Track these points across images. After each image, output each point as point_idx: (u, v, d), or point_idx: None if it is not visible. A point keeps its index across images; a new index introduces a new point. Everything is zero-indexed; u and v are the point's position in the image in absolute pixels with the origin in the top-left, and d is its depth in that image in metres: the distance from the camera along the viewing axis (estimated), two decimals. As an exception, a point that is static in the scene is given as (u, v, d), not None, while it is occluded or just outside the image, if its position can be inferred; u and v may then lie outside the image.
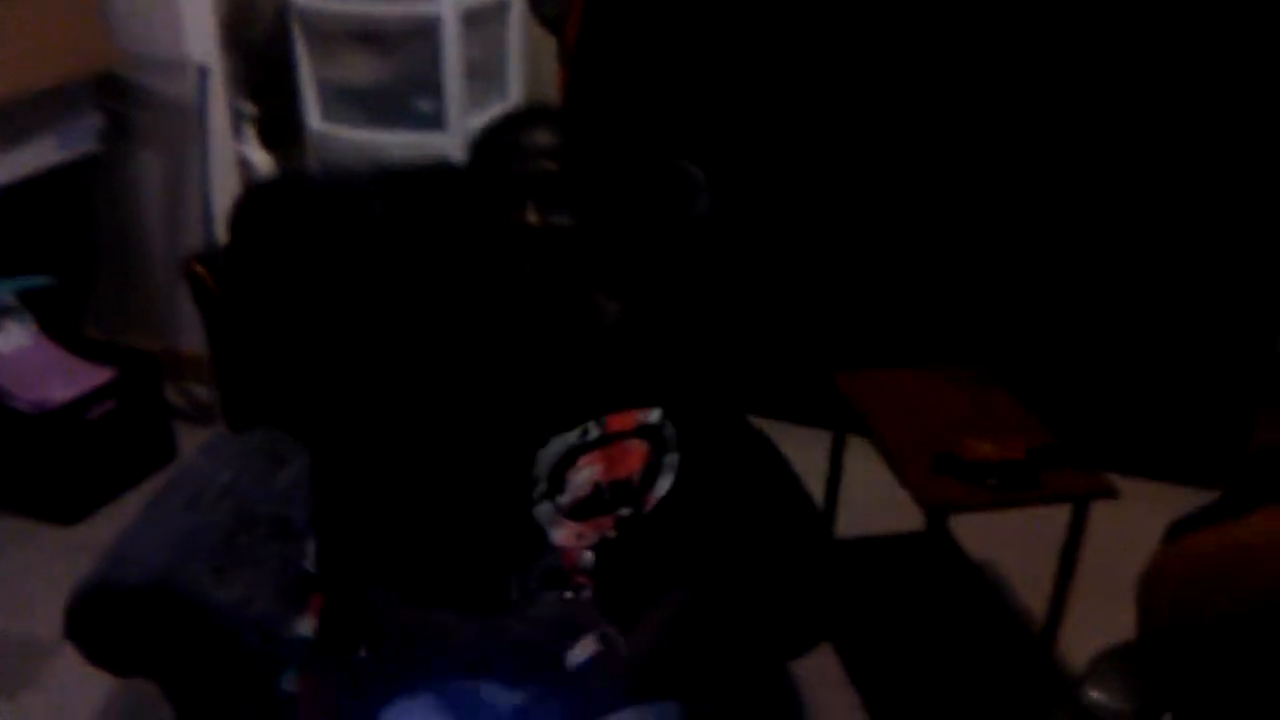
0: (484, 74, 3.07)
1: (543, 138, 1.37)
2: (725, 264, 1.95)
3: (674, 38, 2.69)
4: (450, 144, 2.92)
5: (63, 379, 2.51)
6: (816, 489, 2.15)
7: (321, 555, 1.56)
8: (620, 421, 1.41)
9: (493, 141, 1.42)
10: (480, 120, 3.00)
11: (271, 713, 1.49)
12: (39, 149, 2.60)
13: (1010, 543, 2.27)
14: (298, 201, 1.86)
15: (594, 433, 1.39)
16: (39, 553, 2.30)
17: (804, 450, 2.25)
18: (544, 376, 1.42)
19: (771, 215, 2.78)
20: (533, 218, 1.32)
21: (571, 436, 1.39)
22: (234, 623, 1.50)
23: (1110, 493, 1.66)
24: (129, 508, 2.37)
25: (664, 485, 1.43)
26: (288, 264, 1.80)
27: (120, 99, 2.75)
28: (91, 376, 2.56)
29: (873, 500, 2.23)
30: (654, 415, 1.42)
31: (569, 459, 1.39)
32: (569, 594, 1.39)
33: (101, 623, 1.46)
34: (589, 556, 1.40)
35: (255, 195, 1.82)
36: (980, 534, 2.29)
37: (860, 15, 2.52)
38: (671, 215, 1.89)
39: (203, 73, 2.66)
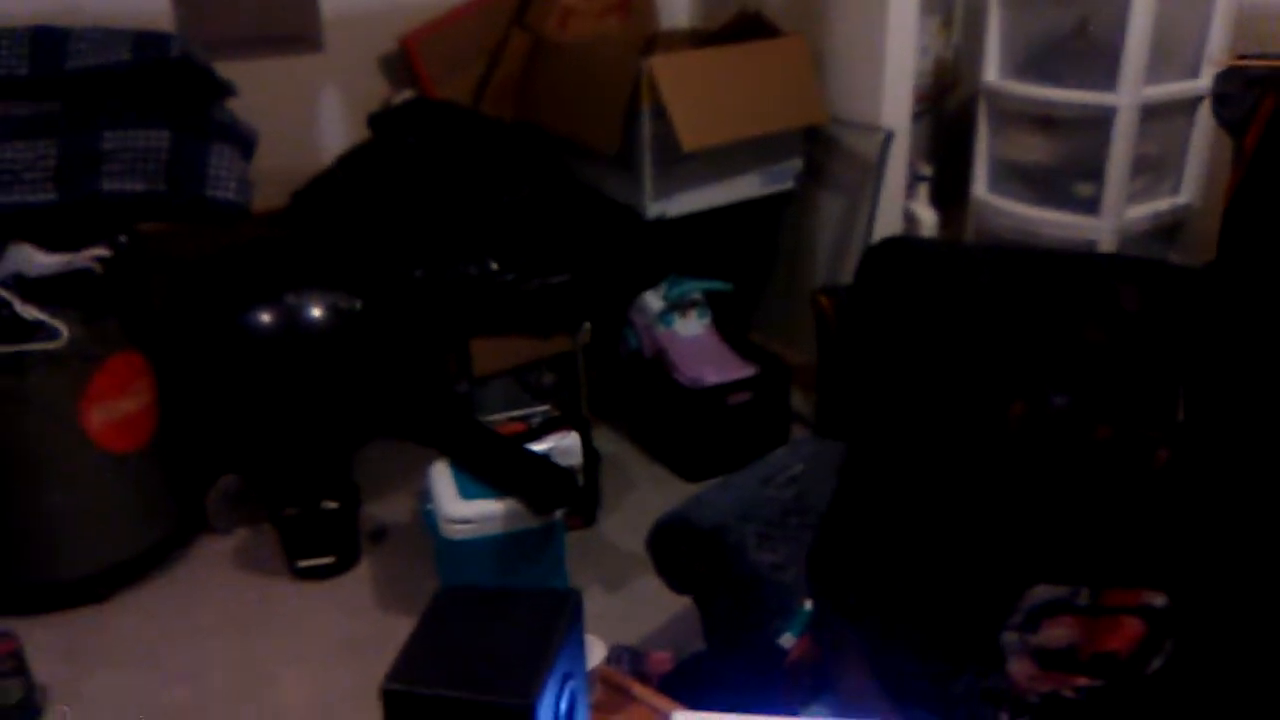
0: (1156, 168, 3.09)
1: (1098, 338, 1.32)
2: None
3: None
4: (1102, 228, 3.00)
5: (717, 367, 3.09)
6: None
7: (813, 558, 1.64)
8: (1118, 598, 1.32)
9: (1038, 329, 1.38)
10: (1141, 211, 3.06)
11: (766, 659, 1.81)
12: (751, 181, 3.21)
13: None
14: (912, 261, 2.13)
15: (1083, 599, 1.32)
16: (663, 495, 2.88)
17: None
18: (1060, 521, 1.36)
19: None
20: (1017, 409, 1.30)
21: (1061, 591, 1.33)
22: (761, 579, 1.84)
23: None
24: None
25: (1155, 666, 1.31)
26: (890, 312, 2.09)
27: (818, 148, 3.26)
28: (739, 370, 3.11)
29: None
30: (1159, 600, 1.31)
31: (1050, 609, 1.34)
32: (1003, 717, 1.35)
33: (668, 545, 1.91)
34: (1034, 700, 1.33)
35: (878, 249, 2.12)
36: None
37: None
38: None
39: (888, 136, 3.05)
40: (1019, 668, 1.35)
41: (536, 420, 2.65)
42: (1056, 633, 1.33)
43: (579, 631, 0.99)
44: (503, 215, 2.83)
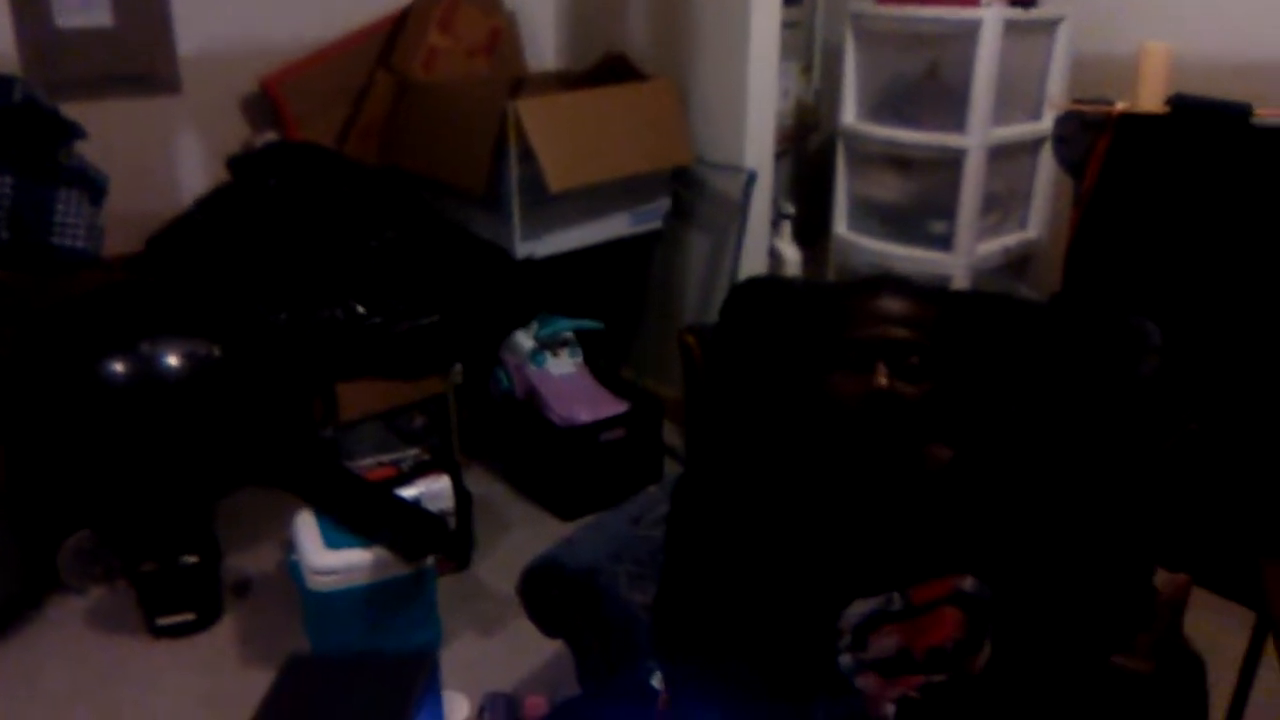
0: (1003, 206, 3.24)
1: (896, 306, 1.45)
2: (1163, 426, 1.94)
3: (1168, 199, 2.66)
4: (956, 264, 3.12)
5: (590, 405, 3.10)
6: (1229, 675, 2.04)
7: (655, 609, 1.67)
8: (927, 593, 1.40)
9: (844, 305, 1.50)
10: (991, 247, 3.20)
11: (640, 699, 1.81)
12: (620, 221, 3.24)
13: None
14: (770, 301, 2.18)
15: (896, 604, 1.40)
16: (537, 535, 2.86)
17: (1229, 627, 2.15)
18: (855, 536, 1.45)
19: (1232, 381, 2.61)
20: (881, 380, 1.40)
21: (875, 602, 1.41)
22: (633, 619, 1.85)
23: None
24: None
25: (986, 653, 1.39)
26: (748, 352, 2.14)
27: (685, 189, 3.32)
28: (612, 407, 3.12)
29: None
30: (968, 583, 1.40)
31: (872, 623, 1.41)
32: None
33: (539, 589, 1.90)
34: (890, 709, 1.39)
35: (741, 288, 2.17)
36: None
37: None
38: (1109, 373, 1.92)
39: (751, 176, 3.13)
40: (865, 684, 1.41)
41: (407, 464, 2.61)
42: (885, 643, 1.40)
43: (435, 695, 0.98)
44: (368, 258, 2.80)
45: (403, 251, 2.84)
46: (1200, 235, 2.64)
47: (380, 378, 2.86)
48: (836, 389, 1.47)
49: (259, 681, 0.99)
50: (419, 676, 0.95)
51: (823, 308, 1.54)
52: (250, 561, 2.78)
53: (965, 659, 1.39)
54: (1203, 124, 2.60)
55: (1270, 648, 1.96)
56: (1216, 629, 2.18)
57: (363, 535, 2.26)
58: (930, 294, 1.55)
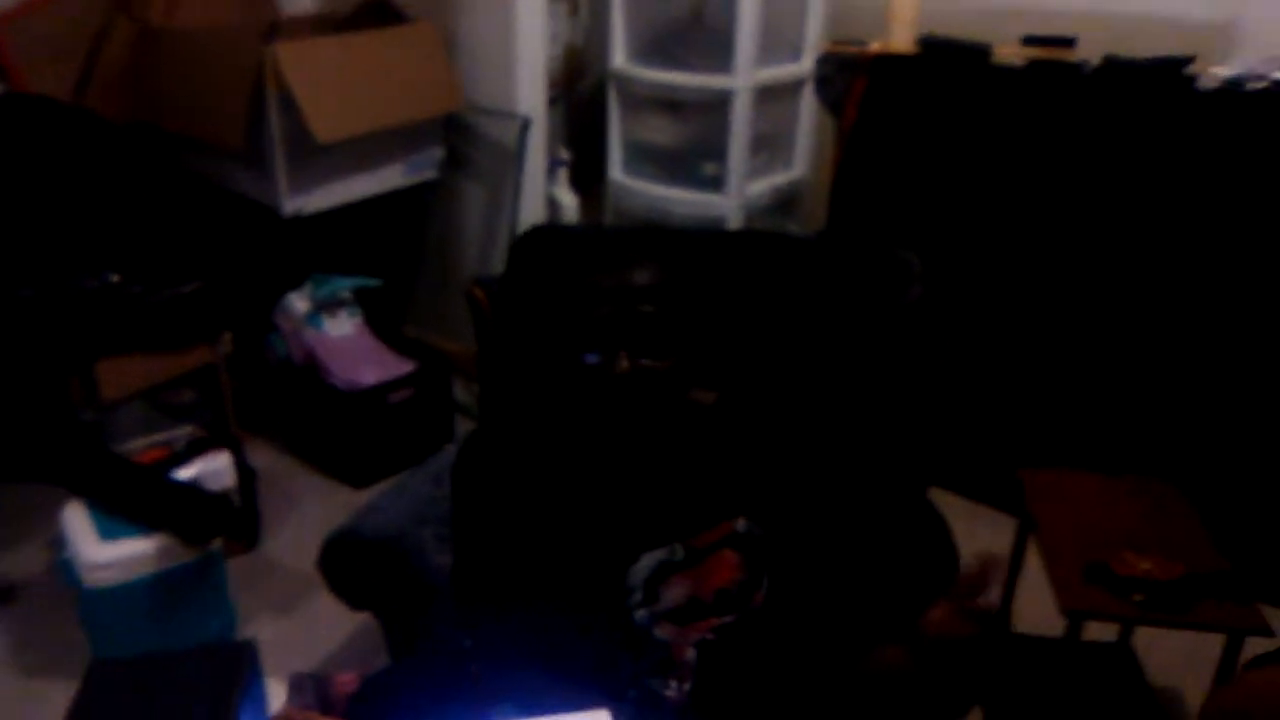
0: (770, 146, 3.33)
1: (639, 276, 1.50)
2: (931, 350, 2.07)
3: (920, 135, 2.82)
4: (728, 205, 3.20)
5: (374, 366, 3.00)
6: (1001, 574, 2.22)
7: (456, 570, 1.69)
8: (707, 538, 1.47)
9: (579, 281, 1.54)
10: (761, 187, 3.29)
11: (453, 665, 1.78)
12: (392, 172, 3.12)
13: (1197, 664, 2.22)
14: (552, 251, 2.17)
15: (679, 553, 1.46)
16: (329, 507, 2.77)
17: (997, 534, 2.33)
18: (633, 490, 1.49)
19: (987, 306, 2.83)
20: (623, 365, 1.43)
21: (659, 554, 1.46)
22: (440, 582, 1.81)
23: (1264, 629, 1.63)
24: (404, 481, 2.82)
25: (765, 588, 1.46)
26: (535, 300, 2.12)
27: (459, 137, 3.24)
28: (397, 367, 3.04)
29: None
30: (740, 524, 1.47)
31: (660, 576, 1.46)
32: (672, 684, 1.44)
33: (340, 561, 1.83)
34: (691, 654, 1.44)
35: (523, 240, 2.14)
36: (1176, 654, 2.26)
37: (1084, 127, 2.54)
38: (876, 301, 2.02)
39: (525, 122, 3.08)
40: (664, 634, 1.46)
41: (180, 444, 2.45)
42: (674, 592, 1.46)
43: (258, 685, 0.93)
44: (121, 222, 2.58)
45: (158, 213, 2.63)
46: (951, 167, 2.81)
47: (142, 352, 2.65)
48: (588, 368, 1.49)
49: (40, 697, 0.90)
50: (239, 667, 0.90)
51: (571, 279, 1.54)
52: (12, 566, 2.55)
53: (748, 597, 1.45)
54: (949, 62, 2.75)
55: (1032, 545, 2.15)
56: (990, 536, 2.36)
57: (140, 523, 2.11)
58: (692, 244, 1.57)
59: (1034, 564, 2.23)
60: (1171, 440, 2.64)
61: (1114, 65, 2.53)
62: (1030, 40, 2.68)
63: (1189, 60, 2.49)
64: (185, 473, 2.33)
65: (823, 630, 1.49)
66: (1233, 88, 2.42)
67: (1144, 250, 2.58)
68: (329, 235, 3.09)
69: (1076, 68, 2.59)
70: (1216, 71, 2.46)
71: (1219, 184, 2.45)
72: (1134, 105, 2.51)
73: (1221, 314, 2.52)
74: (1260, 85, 2.39)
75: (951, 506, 1.95)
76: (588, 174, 3.57)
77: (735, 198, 3.18)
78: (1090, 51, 2.58)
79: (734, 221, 3.20)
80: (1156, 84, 2.49)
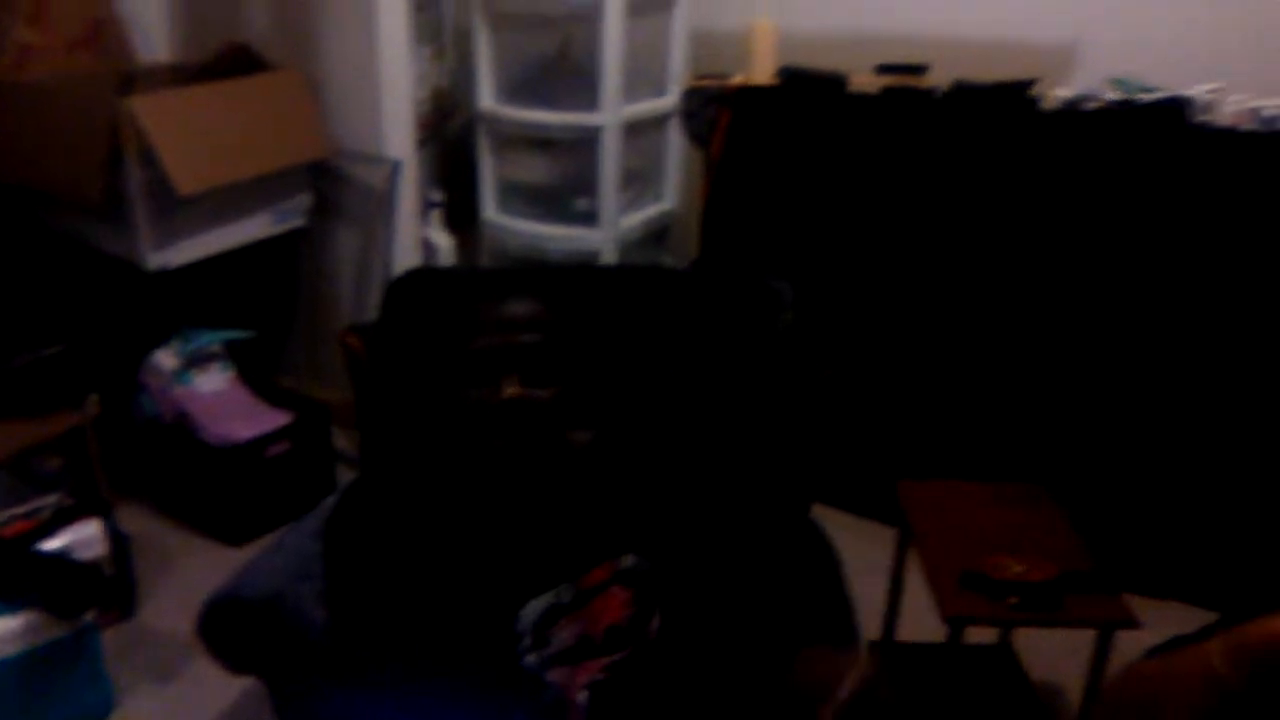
0: (641, 179, 3.38)
1: (523, 310, 1.49)
2: (806, 374, 2.12)
3: (784, 163, 2.91)
4: (601, 239, 3.23)
5: (248, 420, 2.93)
6: (881, 586, 2.28)
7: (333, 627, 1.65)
8: (594, 577, 1.47)
9: (459, 315, 1.53)
10: (633, 220, 3.33)
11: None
12: (260, 222, 3.06)
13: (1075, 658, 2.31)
14: (428, 294, 2.16)
15: (567, 595, 1.46)
16: (208, 568, 2.68)
17: (880, 546, 2.39)
18: (515, 535, 1.50)
19: (859, 325, 2.93)
20: (511, 391, 1.45)
21: (547, 598, 1.46)
22: (326, 639, 1.78)
23: (1131, 623, 1.72)
24: (287, 536, 2.75)
25: (658, 620, 1.46)
26: (414, 340, 2.11)
27: (327, 183, 3.20)
28: (272, 420, 2.97)
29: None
30: (628, 560, 1.47)
31: (549, 619, 1.46)
32: None
33: (222, 625, 1.78)
34: (584, 695, 1.43)
35: (397, 285, 2.13)
36: (1056, 651, 2.36)
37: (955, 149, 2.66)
38: (749, 329, 2.07)
39: (395, 166, 3.07)
40: (556, 677, 1.46)
41: (46, 513, 2.35)
42: (564, 634, 1.46)
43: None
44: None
45: (16, 275, 2.54)
46: (815, 194, 2.89)
47: (3, 419, 2.55)
48: (470, 400, 1.49)
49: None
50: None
51: (450, 317, 1.54)
52: None
53: (641, 631, 1.45)
54: (808, 93, 2.84)
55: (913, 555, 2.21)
56: (872, 549, 2.42)
57: (6, 601, 2.02)
58: (569, 280, 1.58)
59: (915, 573, 2.30)
60: (1038, 445, 2.76)
61: (962, 89, 2.65)
62: (884, 69, 2.79)
63: (1032, 83, 2.63)
64: (53, 543, 2.24)
65: (717, 658, 1.50)
66: (1071, 108, 2.56)
67: (998, 263, 2.70)
68: (197, 288, 3.01)
69: (928, 93, 2.70)
70: (1057, 93, 2.61)
71: (1062, 198, 2.59)
72: (981, 127, 2.64)
73: (1071, 319, 2.65)
74: (1095, 105, 2.54)
75: (835, 522, 2.01)
76: (462, 214, 3.57)
77: (608, 232, 3.21)
78: (942, 77, 2.70)
79: (608, 255, 3.23)
80: (1001, 106, 2.62)
